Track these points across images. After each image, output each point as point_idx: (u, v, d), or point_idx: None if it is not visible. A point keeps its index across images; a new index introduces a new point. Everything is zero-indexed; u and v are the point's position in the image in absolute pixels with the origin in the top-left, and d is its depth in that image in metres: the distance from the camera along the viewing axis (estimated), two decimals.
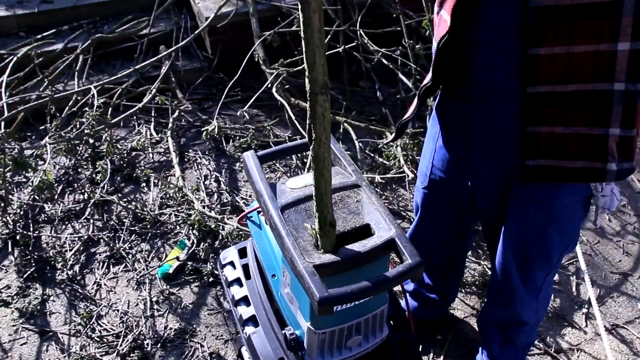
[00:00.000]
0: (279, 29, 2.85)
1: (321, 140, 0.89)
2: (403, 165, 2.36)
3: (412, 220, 2.41)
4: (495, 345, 1.62)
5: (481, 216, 1.43)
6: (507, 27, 1.01)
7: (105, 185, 2.52)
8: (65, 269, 2.18)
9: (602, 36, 0.90)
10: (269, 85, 2.74)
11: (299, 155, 2.69)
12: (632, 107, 0.93)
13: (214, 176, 2.63)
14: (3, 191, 2.35)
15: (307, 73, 0.86)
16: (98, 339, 1.95)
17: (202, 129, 2.63)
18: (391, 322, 1.39)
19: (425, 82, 1.24)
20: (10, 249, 2.26)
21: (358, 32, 2.93)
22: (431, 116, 1.36)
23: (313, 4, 0.79)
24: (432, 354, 1.90)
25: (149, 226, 2.36)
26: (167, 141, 2.77)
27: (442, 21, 1.12)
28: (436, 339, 1.95)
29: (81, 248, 2.27)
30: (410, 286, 1.88)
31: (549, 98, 1.00)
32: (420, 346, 1.90)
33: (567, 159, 1.04)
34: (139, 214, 2.40)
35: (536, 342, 1.95)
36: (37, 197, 2.46)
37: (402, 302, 1.62)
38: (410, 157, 2.52)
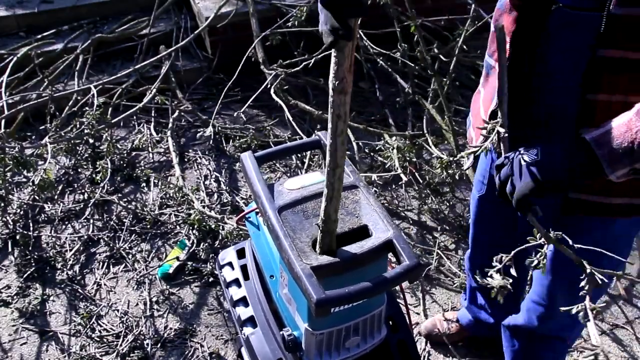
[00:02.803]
0: (275, 27, 2.84)
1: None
2: (397, 168, 2.34)
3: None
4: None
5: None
6: (567, 71, 1.02)
7: (105, 185, 2.52)
8: (65, 269, 2.19)
9: None
10: (268, 86, 2.74)
11: (299, 155, 2.69)
12: None
13: (214, 176, 2.64)
14: (3, 191, 2.35)
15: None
16: (98, 339, 1.95)
17: (199, 130, 2.63)
18: (389, 322, 1.39)
19: (492, 105, 1.21)
20: (10, 249, 2.26)
21: (358, 33, 2.93)
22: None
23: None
24: None
25: (149, 226, 2.36)
26: (167, 141, 2.77)
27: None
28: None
29: (81, 248, 2.28)
30: (464, 303, 1.84)
31: None
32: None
33: (610, 196, 1.07)
34: (139, 214, 2.40)
35: None
36: (37, 197, 2.46)
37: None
38: (408, 159, 2.52)
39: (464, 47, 2.75)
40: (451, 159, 2.34)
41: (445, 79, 2.72)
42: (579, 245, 1.06)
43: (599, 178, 1.00)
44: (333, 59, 0.88)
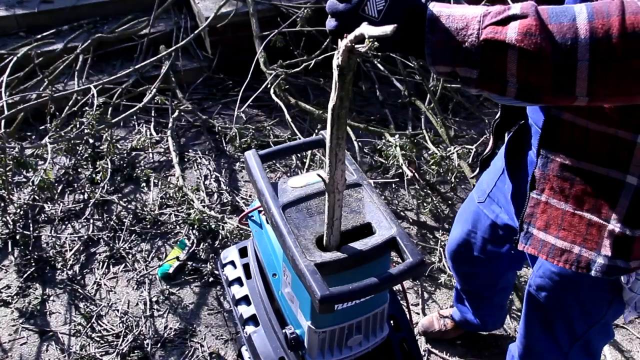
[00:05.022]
0: (281, 29, 2.84)
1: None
2: (402, 165, 2.36)
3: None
4: None
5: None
6: None
7: (105, 185, 2.52)
8: (65, 269, 2.18)
9: (622, 127, 0.85)
10: (268, 86, 2.74)
11: (299, 155, 2.69)
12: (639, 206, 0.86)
13: (214, 176, 2.63)
14: (3, 191, 2.35)
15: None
16: (98, 339, 1.95)
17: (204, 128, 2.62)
18: (391, 321, 1.39)
19: (496, 117, 1.21)
20: (10, 249, 2.26)
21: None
22: (508, 137, 1.26)
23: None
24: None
25: (149, 226, 2.36)
26: (167, 141, 2.77)
27: None
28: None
29: (81, 248, 2.27)
30: (454, 306, 1.87)
31: (560, 168, 0.95)
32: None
33: (555, 237, 0.96)
34: (139, 214, 2.40)
35: None
36: (37, 197, 2.46)
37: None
38: (409, 158, 2.53)
39: None
40: (444, 154, 2.38)
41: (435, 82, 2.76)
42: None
43: (553, 213, 0.95)
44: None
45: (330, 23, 0.83)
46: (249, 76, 2.73)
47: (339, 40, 0.80)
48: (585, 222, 0.92)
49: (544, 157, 0.96)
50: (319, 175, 0.95)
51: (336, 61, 0.84)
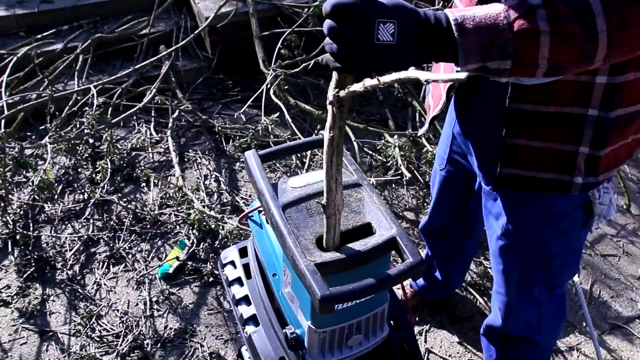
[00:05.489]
0: (293, 28, 2.84)
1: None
2: (401, 166, 2.36)
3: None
4: None
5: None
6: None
7: (105, 185, 2.52)
8: (65, 269, 2.18)
9: (582, 72, 0.98)
10: (268, 86, 2.74)
11: (299, 155, 2.69)
12: (601, 132, 1.03)
13: (214, 176, 2.63)
14: (3, 191, 2.35)
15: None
16: (98, 339, 1.95)
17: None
18: (392, 321, 1.39)
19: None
20: (10, 249, 2.26)
21: None
22: (451, 101, 1.36)
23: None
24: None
25: (149, 226, 2.36)
26: (167, 141, 2.77)
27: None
28: (432, 318, 2.03)
29: (81, 248, 2.27)
30: None
31: (530, 116, 1.08)
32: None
33: (538, 170, 1.12)
34: (139, 214, 2.40)
35: None
36: (37, 197, 2.46)
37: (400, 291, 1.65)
38: (408, 159, 2.53)
39: None
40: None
41: None
42: None
43: (532, 152, 1.09)
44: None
45: (340, 58, 0.78)
46: (240, 72, 2.72)
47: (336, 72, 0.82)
48: (559, 153, 1.08)
49: (513, 108, 1.08)
50: (318, 202, 1.00)
51: (334, 96, 0.83)
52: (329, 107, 0.87)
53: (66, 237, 2.32)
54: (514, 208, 1.23)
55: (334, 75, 0.85)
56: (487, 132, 1.20)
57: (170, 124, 2.81)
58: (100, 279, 2.16)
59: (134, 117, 2.95)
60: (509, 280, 1.34)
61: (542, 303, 1.35)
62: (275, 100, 2.68)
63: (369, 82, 0.77)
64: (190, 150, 2.79)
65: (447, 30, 0.78)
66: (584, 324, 2.02)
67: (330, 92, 0.85)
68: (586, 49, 0.79)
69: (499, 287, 1.39)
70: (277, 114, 2.64)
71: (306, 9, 2.74)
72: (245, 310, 1.33)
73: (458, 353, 1.92)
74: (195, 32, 3.07)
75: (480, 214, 1.41)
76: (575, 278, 1.99)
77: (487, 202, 1.31)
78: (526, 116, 1.08)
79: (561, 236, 1.23)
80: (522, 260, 1.29)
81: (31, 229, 2.32)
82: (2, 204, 2.38)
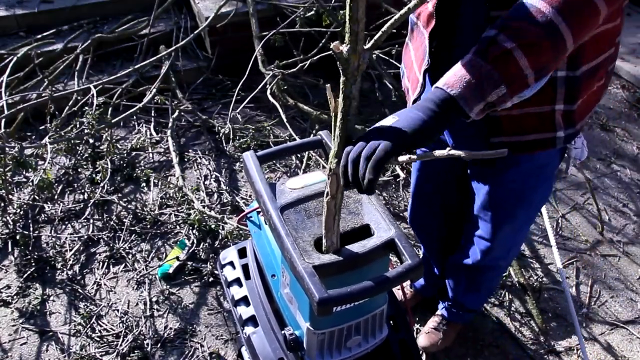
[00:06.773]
0: (279, 28, 2.85)
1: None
2: (396, 166, 2.37)
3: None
4: (460, 289, 1.75)
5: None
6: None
7: (105, 185, 2.52)
8: (65, 269, 2.18)
9: None
10: (267, 86, 2.74)
11: (299, 155, 2.69)
12: (571, 88, 1.13)
13: (214, 176, 2.63)
14: (3, 191, 2.35)
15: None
16: (98, 339, 1.95)
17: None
18: (391, 322, 1.39)
19: (423, 65, 1.31)
20: (10, 249, 2.26)
21: None
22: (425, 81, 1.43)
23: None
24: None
25: (149, 226, 2.36)
26: (167, 141, 2.77)
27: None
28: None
29: (81, 248, 2.27)
30: None
31: None
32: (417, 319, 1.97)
33: (523, 134, 1.21)
34: (139, 214, 2.40)
35: (536, 341, 1.95)
36: (37, 197, 2.46)
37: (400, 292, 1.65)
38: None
39: None
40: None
41: None
42: None
43: (515, 119, 1.17)
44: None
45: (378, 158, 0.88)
46: (246, 76, 2.72)
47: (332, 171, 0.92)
48: (539, 114, 1.17)
49: None
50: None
51: (332, 190, 0.94)
52: (332, 177, 0.94)
53: (66, 237, 2.32)
54: (502, 167, 1.33)
55: (333, 145, 0.93)
56: None
57: (170, 124, 2.81)
58: (100, 279, 2.16)
59: (134, 117, 2.95)
60: (496, 227, 1.46)
61: (518, 232, 1.53)
62: (272, 101, 2.68)
63: (402, 158, 0.88)
64: (190, 150, 2.79)
65: (444, 97, 0.91)
66: (584, 324, 2.02)
67: (331, 163, 0.93)
68: (555, 43, 0.89)
69: (483, 234, 1.51)
70: (277, 119, 2.63)
71: (302, 9, 2.73)
72: (244, 311, 1.33)
73: (458, 353, 1.92)
74: (195, 32, 3.07)
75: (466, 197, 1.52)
76: (559, 264, 2.09)
77: (473, 168, 1.42)
78: None
79: (543, 181, 1.38)
80: (511, 208, 1.42)
81: (31, 229, 2.32)
82: (2, 204, 2.38)
